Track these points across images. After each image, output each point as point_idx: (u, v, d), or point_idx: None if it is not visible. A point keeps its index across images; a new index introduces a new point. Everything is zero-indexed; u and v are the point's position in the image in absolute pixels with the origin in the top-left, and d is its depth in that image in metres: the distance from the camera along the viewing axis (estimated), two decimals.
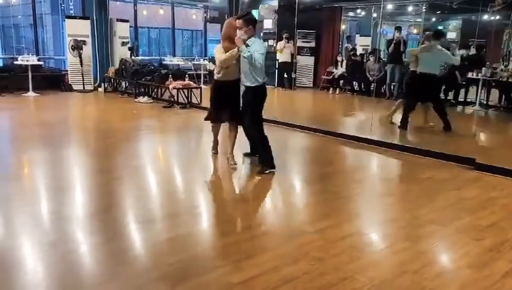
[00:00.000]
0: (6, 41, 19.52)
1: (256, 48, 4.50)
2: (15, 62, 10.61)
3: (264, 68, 4.66)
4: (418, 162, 5.55)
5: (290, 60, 12.70)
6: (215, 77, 4.94)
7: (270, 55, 13.30)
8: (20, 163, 5.22)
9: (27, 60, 10.31)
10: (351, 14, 15.44)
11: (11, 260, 2.76)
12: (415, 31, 15.20)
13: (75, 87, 11.17)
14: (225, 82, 4.83)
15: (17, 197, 3.90)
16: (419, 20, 13.72)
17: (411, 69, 7.25)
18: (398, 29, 11.06)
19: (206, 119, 5.18)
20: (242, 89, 4.81)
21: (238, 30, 4.56)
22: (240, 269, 2.72)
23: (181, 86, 9.42)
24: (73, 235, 3.17)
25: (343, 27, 14.69)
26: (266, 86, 4.81)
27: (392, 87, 11.09)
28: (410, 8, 13.56)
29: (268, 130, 7.35)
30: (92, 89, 11.41)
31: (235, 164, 4.94)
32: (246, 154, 5.30)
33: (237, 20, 4.59)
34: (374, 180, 5.08)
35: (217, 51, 4.78)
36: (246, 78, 4.68)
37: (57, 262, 2.78)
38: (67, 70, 11.44)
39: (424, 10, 12.53)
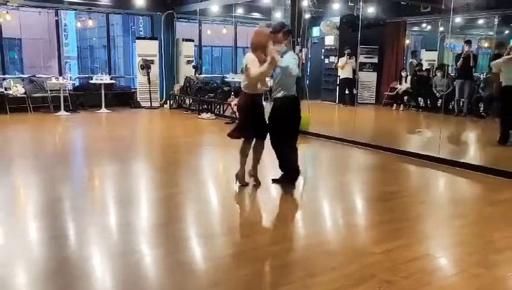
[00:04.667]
0: (83, 62, 20.96)
1: (289, 59, 4.43)
2: (90, 81, 11.37)
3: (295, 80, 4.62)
4: (491, 183, 5.21)
5: (351, 76, 12.52)
6: (248, 91, 4.53)
7: (331, 71, 13.30)
8: (92, 176, 5.54)
9: (101, 79, 11.01)
10: (415, 28, 14.99)
11: (82, 269, 2.90)
12: (485, 44, 14.44)
13: (143, 104, 11.74)
14: (257, 95, 4.62)
15: (90, 208, 4.13)
16: (491, 33, 13.02)
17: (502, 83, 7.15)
18: (468, 43, 10.55)
19: (239, 136, 4.69)
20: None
21: (275, 43, 4.42)
22: (306, 287, 2.67)
23: None
24: (139, 247, 3.28)
25: (407, 42, 14.30)
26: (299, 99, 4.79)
27: (461, 104, 10.57)
28: (481, 21, 12.93)
29: (330, 147, 7.34)
30: (158, 105, 11.92)
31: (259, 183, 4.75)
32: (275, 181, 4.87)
33: (278, 34, 4.51)
34: (442, 200, 4.83)
35: (252, 62, 4.38)
36: (282, 88, 4.58)
37: (123, 272, 2.88)
38: (136, 88, 12.08)
39: (496, 23, 11.88)
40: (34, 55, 17.94)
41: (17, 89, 10.21)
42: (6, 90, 10.13)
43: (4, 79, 10.54)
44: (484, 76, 11.16)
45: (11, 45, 17.37)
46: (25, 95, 10.22)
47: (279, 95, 4.60)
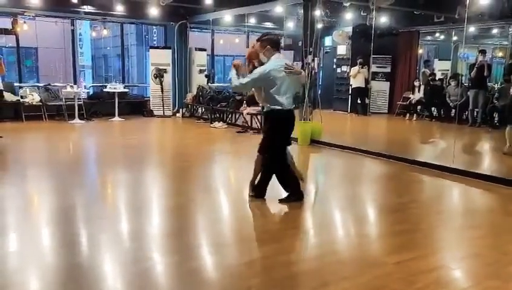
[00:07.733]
0: (97, 71, 21.23)
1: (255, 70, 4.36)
2: (104, 90, 11.51)
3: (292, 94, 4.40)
4: (505, 193, 5.14)
5: (363, 86, 12.49)
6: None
7: (343, 81, 13.28)
8: (105, 184, 5.58)
9: (114, 88, 11.14)
10: (428, 38, 14.93)
11: (93, 276, 2.92)
12: (500, 54, 14.33)
13: (155, 112, 11.84)
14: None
15: (102, 215, 4.16)
16: (506, 42, 12.92)
17: None
18: (482, 52, 10.47)
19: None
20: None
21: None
22: None
23: (255, 112, 9.60)
24: (151, 254, 3.29)
25: (420, 51, 14.24)
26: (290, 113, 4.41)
27: (475, 114, 10.47)
28: (495, 31, 12.83)
29: (342, 156, 7.30)
30: (171, 114, 12.01)
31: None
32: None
33: (257, 43, 4.44)
34: (456, 211, 4.77)
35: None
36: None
37: (135, 280, 2.89)
38: (149, 97, 12.20)
39: (511, 32, 11.78)
40: (49, 63, 18.23)
41: (33, 97, 10.39)
42: (22, 98, 10.30)
43: (20, 87, 10.73)
44: (498, 86, 11.05)
45: (27, 53, 17.69)
46: (40, 103, 10.39)
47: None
